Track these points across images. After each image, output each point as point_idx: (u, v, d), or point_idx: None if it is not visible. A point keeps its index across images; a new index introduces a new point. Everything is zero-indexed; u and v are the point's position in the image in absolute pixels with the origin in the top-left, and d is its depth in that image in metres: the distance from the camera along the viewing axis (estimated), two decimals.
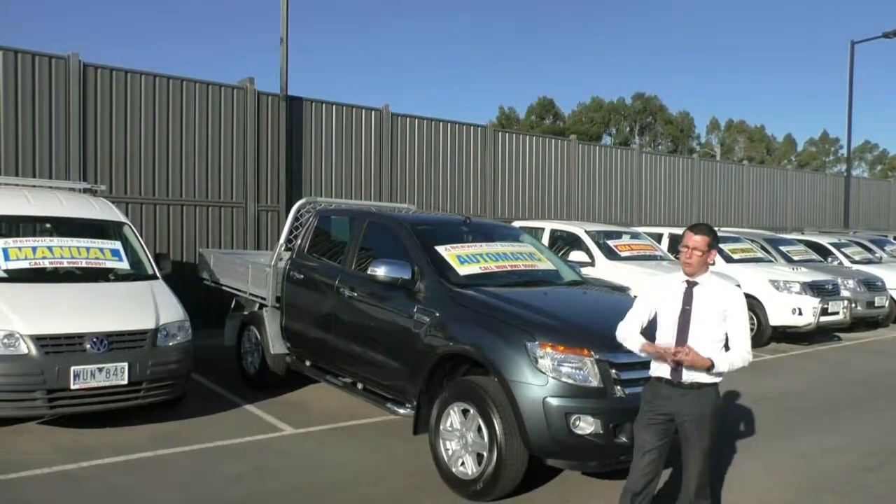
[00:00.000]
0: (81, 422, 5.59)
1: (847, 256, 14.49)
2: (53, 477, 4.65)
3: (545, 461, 4.35)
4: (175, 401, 5.95)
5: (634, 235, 11.74)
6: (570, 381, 4.21)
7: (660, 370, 3.63)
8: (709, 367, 3.51)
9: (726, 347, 3.62)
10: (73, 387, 5.19)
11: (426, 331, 4.98)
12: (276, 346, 6.76)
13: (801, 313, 10.67)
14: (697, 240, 3.61)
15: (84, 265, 6.15)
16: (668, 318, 3.64)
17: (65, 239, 6.25)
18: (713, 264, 3.78)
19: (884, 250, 15.90)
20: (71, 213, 6.58)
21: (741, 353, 3.58)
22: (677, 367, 3.53)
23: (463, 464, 4.56)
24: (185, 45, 69.00)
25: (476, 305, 4.88)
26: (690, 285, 3.63)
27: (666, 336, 3.63)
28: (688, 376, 3.54)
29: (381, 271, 5.27)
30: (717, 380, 3.61)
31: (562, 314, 4.82)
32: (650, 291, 3.79)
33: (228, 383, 7.22)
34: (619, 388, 4.24)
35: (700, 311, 3.57)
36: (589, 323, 4.78)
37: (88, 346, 5.31)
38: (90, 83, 9.77)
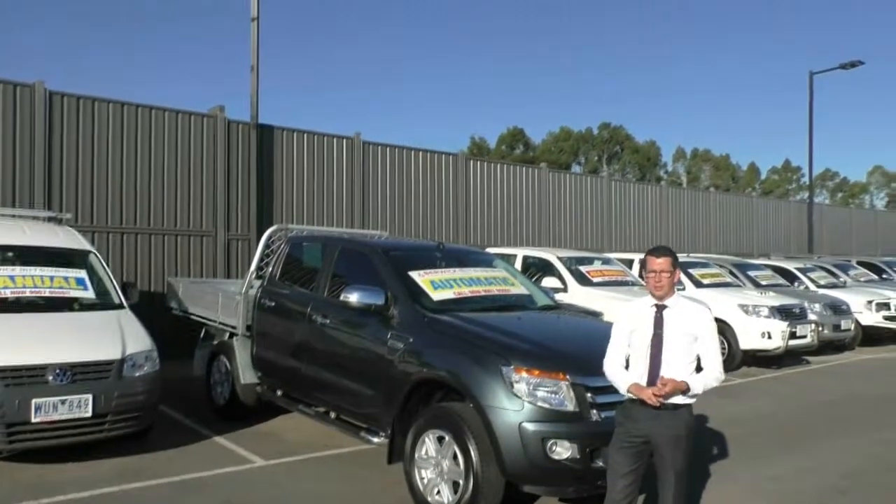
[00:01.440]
0: (44, 457, 5.38)
1: (812, 281, 14.77)
2: None
3: (522, 488, 4.30)
4: (142, 433, 5.77)
5: (606, 261, 11.84)
6: (546, 405, 4.19)
7: None
8: (685, 390, 3.53)
9: (698, 368, 3.65)
10: (33, 420, 5.01)
11: (400, 357, 4.93)
12: (247, 375, 6.64)
13: (770, 337, 10.82)
14: (661, 262, 3.66)
15: (48, 294, 5.99)
16: (640, 342, 3.66)
17: (27, 268, 6.08)
18: (682, 288, 3.82)
19: (848, 275, 16.27)
20: (34, 242, 6.42)
21: (713, 374, 3.63)
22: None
23: (439, 492, 4.49)
24: (155, 75, 68.69)
25: (450, 331, 4.85)
26: (660, 309, 3.66)
27: (639, 361, 3.65)
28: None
29: (354, 297, 5.22)
30: (691, 401, 3.63)
31: (536, 338, 4.80)
32: (623, 318, 3.81)
33: (197, 415, 7.05)
34: (594, 411, 4.22)
35: (671, 334, 3.60)
36: (564, 347, 4.78)
37: (51, 377, 5.14)
38: (56, 111, 9.64)
